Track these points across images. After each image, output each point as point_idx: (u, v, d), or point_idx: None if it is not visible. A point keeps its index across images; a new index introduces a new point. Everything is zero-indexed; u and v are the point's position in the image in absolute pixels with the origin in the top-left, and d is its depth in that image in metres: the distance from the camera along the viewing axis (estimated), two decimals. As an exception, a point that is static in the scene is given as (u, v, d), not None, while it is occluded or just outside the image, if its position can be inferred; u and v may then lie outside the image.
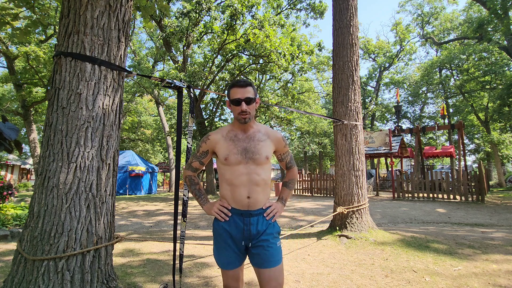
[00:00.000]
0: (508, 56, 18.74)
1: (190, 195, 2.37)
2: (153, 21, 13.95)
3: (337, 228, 4.61)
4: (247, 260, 1.66)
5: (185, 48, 14.49)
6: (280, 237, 1.66)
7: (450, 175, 11.16)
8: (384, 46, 32.35)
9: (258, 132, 1.63)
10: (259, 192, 1.57)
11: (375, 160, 20.81)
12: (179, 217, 3.09)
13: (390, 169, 16.18)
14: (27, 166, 25.85)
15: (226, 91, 1.72)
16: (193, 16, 12.43)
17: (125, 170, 17.73)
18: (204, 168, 1.96)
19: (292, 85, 18.05)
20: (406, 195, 11.87)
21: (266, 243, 1.55)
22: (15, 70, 14.80)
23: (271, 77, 18.35)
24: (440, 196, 11.02)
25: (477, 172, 10.72)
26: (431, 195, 11.17)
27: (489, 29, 18.85)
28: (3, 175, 17.03)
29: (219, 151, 1.60)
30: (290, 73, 15.45)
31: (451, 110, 26.86)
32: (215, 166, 21.07)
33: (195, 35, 13.80)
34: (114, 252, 3.07)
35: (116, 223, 6.62)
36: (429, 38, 28.90)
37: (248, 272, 3.00)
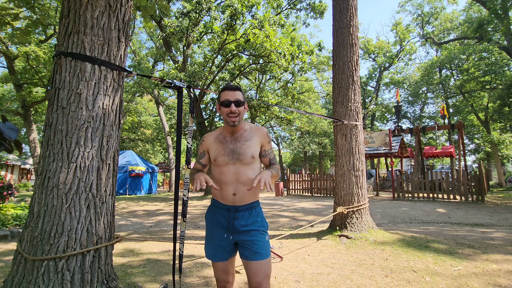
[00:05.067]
0: (508, 56, 18.74)
1: (190, 195, 2.38)
2: (153, 21, 13.94)
3: (337, 228, 4.60)
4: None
5: (185, 48, 14.48)
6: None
7: (450, 175, 11.15)
8: (384, 46, 32.35)
9: (245, 132, 1.70)
10: (246, 191, 1.63)
11: (375, 160, 20.81)
12: (179, 217, 3.09)
13: (390, 169, 16.18)
14: (27, 166, 25.84)
15: (217, 97, 1.81)
16: (193, 16, 12.43)
17: (125, 170, 17.72)
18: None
19: (292, 85, 18.04)
20: (406, 195, 11.87)
21: (254, 238, 1.62)
22: (15, 70, 14.79)
23: (271, 77, 18.35)
24: (440, 196, 11.02)
25: (477, 172, 10.71)
26: (431, 195, 11.17)
27: (489, 29, 18.86)
28: (3, 175, 17.03)
29: (211, 152, 1.70)
30: (290, 73, 15.45)
31: (451, 110, 26.85)
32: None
33: (195, 35, 13.79)
34: (114, 252, 3.07)
35: (116, 223, 6.62)
36: (429, 38, 28.90)
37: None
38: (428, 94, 29.45)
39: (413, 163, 16.85)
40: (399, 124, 23.64)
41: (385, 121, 33.66)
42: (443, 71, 27.63)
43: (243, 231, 1.62)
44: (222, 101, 1.64)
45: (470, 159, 33.63)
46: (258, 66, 14.21)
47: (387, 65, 32.04)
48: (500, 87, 18.96)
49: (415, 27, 30.49)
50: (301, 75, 16.34)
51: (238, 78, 16.08)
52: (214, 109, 15.78)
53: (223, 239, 1.64)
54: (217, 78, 14.61)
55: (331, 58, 6.86)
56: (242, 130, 1.70)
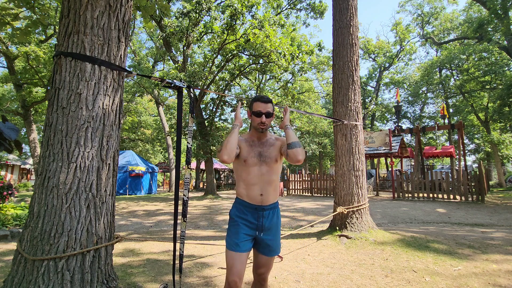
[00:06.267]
0: (508, 56, 18.74)
1: (190, 195, 2.39)
2: (153, 21, 13.93)
3: (337, 228, 4.60)
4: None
5: (185, 48, 14.47)
6: (280, 236, 1.89)
7: (450, 175, 11.15)
8: (384, 46, 32.33)
9: (270, 139, 1.94)
10: (270, 190, 1.84)
11: (375, 160, 20.80)
12: (179, 217, 3.08)
13: (390, 169, 16.18)
14: (27, 166, 25.83)
15: (249, 103, 1.97)
16: (193, 16, 12.42)
17: (125, 170, 17.71)
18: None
19: (292, 85, 18.03)
20: (406, 195, 11.86)
21: (274, 236, 1.85)
22: (15, 70, 14.78)
23: (271, 77, 18.34)
24: (440, 196, 11.02)
25: (477, 172, 10.71)
26: (431, 195, 11.16)
27: (489, 29, 18.86)
28: (3, 175, 17.03)
29: (242, 151, 1.86)
30: (290, 73, 15.45)
31: (451, 110, 26.84)
32: (215, 166, 21.08)
33: (195, 35, 13.79)
34: (114, 252, 3.07)
35: (116, 223, 6.62)
36: (429, 38, 28.89)
37: (249, 271, 3.00)
38: (428, 94, 29.44)
39: (413, 163, 16.85)
40: (399, 124, 23.65)
41: (385, 121, 33.65)
42: (443, 71, 27.61)
43: (268, 228, 1.83)
44: (254, 111, 1.85)
45: (470, 159, 33.66)
46: (258, 66, 14.21)
47: (387, 65, 32.03)
48: (500, 87, 18.94)
49: (415, 27, 30.49)
50: (301, 75, 16.34)
51: (238, 78, 16.07)
52: (214, 109, 15.77)
53: (250, 234, 1.80)
54: (217, 78, 14.60)
55: (331, 58, 6.86)
56: (267, 137, 1.93)
